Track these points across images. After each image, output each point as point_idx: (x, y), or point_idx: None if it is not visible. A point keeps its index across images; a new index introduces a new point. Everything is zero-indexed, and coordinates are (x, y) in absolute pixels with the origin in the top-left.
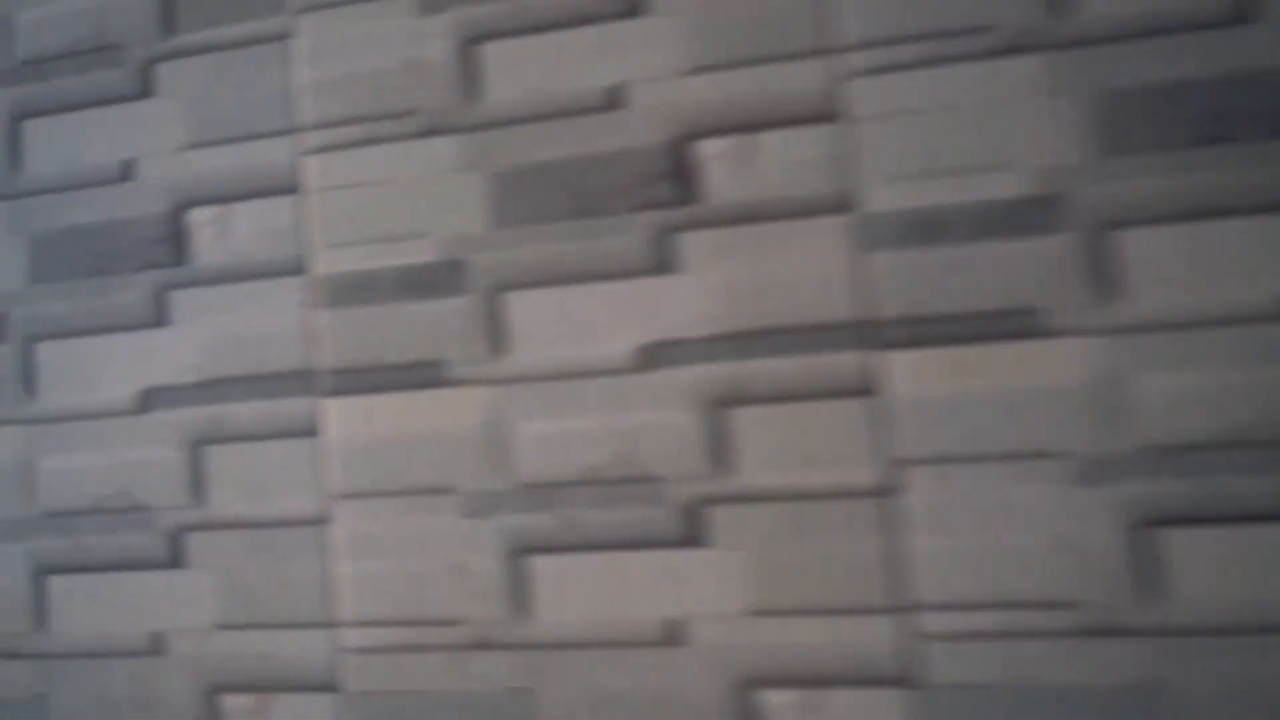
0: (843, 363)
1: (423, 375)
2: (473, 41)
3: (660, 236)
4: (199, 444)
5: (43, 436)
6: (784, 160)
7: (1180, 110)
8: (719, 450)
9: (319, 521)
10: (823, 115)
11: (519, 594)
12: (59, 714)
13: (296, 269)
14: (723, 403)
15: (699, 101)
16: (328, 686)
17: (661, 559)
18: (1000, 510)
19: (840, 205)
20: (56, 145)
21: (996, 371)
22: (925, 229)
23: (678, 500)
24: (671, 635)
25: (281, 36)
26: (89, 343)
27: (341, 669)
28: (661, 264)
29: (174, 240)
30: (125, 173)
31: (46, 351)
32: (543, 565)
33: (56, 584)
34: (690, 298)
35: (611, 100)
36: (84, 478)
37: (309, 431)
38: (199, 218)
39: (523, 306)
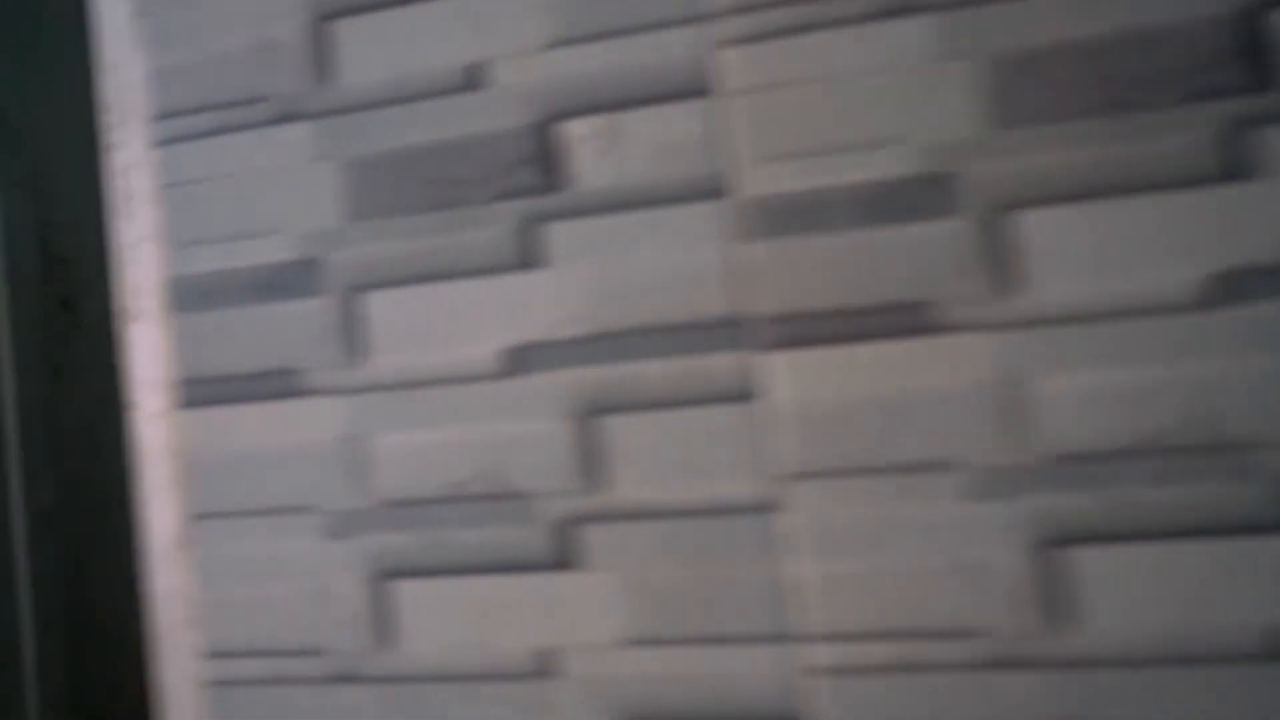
0: None
1: (905, 320)
2: None
3: (1232, 133)
4: (591, 413)
5: (377, 408)
6: None
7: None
8: None
9: (762, 508)
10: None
11: (1056, 597)
12: None
13: (713, 191)
14: None
15: None
16: (785, 717)
17: (1259, 549)
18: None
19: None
20: (378, 48)
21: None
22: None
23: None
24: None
25: None
26: (434, 291)
27: (805, 695)
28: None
29: (543, 161)
30: (472, 79)
31: (377, 304)
32: (1090, 559)
33: (405, 590)
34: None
35: None
36: (436, 458)
37: (741, 395)
38: (576, 131)
39: (1040, 227)
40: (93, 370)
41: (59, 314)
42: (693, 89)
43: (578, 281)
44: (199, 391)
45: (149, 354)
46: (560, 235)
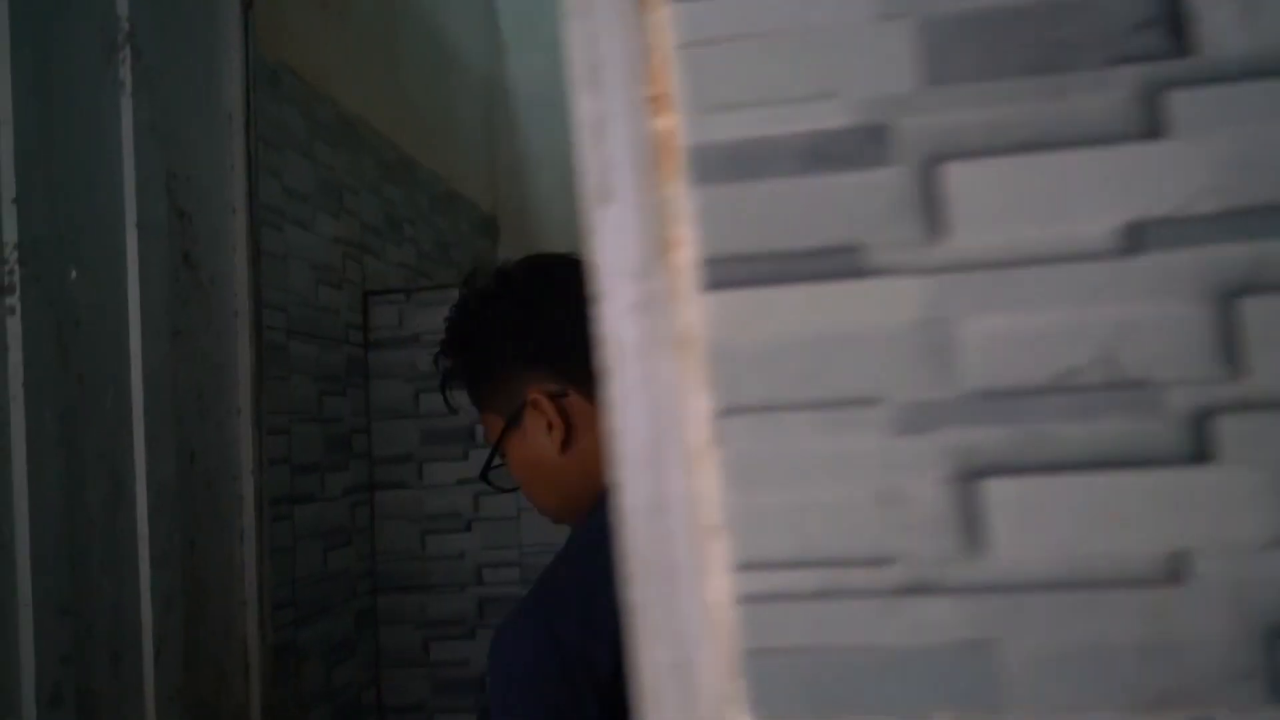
0: None
1: None
2: None
3: None
4: (1229, 295)
5: (964, 289)
6: None
7: None
8: None
9: None
10: None
11: None
12: (1011, 665)
13: None
14: None
15: None
16: None
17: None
18: None
19: None
20: None
21: None
22: None
23: None
24: None
25: None
26: (1034, 162)
27: None
28: None
29: (1168, 23)
30: None
31: (960, 175)
32: None
33: (998, 490)
34: None
35: None
36: (1037, 343)
37: None
38: None
39: None
40: (207, 334)
41: (182, 270)
42: None
43: (1212, 154)
44: (727, 272)
45: (622, 238)
46: (1189, 104)
